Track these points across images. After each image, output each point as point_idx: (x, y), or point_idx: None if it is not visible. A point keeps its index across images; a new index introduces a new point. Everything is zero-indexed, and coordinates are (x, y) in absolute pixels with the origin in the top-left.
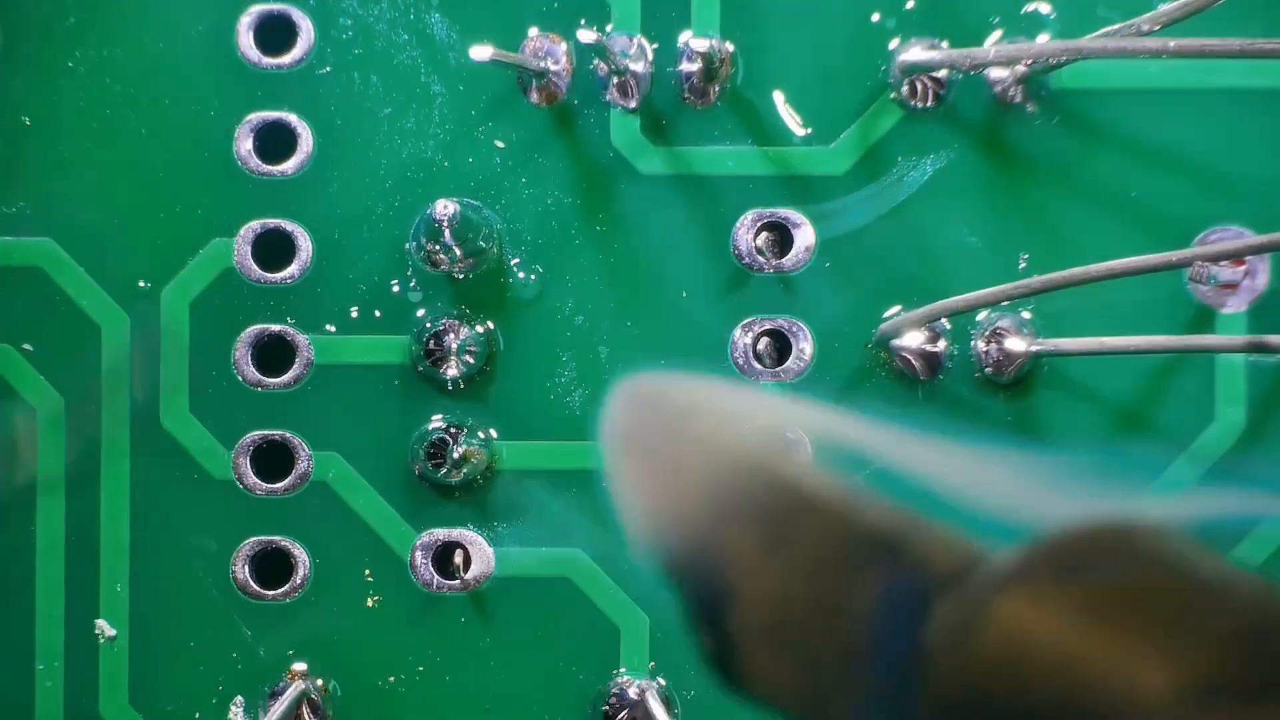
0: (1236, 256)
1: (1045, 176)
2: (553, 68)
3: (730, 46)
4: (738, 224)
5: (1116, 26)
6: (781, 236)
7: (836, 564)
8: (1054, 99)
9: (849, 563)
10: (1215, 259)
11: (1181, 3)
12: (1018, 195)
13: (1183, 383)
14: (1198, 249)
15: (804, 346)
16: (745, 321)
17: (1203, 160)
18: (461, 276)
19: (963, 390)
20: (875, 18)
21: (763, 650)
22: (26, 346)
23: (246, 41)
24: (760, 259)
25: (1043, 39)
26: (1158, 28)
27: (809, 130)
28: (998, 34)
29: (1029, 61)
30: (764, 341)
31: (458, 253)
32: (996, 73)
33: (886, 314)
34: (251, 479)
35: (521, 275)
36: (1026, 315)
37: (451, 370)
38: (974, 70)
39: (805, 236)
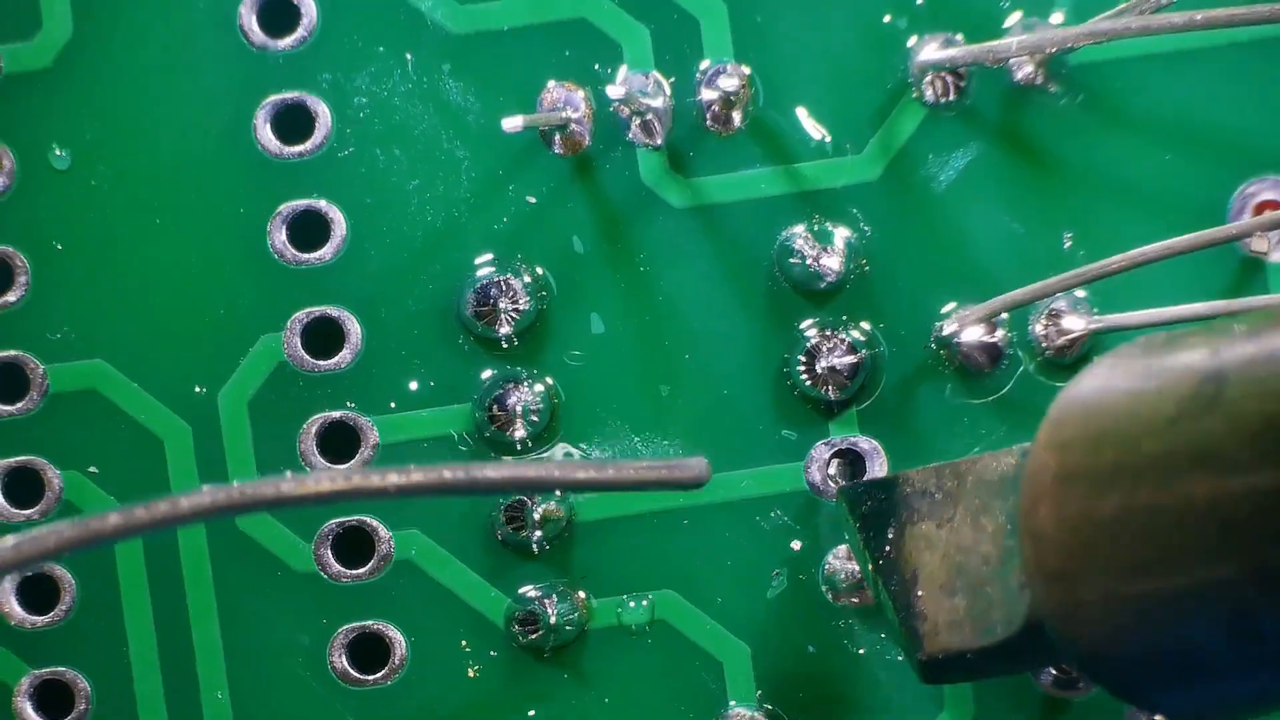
0: None
1: (1076, 152)
2: (574, 116)
3: (746, 70)
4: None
5: (1133, 2)
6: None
7: None
8: (1074, 75)
9: None
10: (1272, 227)
11: None
12: (1052, 175)
13: None
14: (1254, 220)
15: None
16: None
17: (1230, 114)
18: (514, 339)
19: (1028, 377)
20: (886, 19)
21: None
22: (92, 470)
23: (265, 135)
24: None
25: (1057, 18)
26: None
27: (830, 138)
28: (1016, 16)
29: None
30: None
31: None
32: (1015, 58)
33: (944, 310)
34: (335, 568)
35: (573, 325)
36: (1081, 294)
37: (519, 432)
38: (997, 64)
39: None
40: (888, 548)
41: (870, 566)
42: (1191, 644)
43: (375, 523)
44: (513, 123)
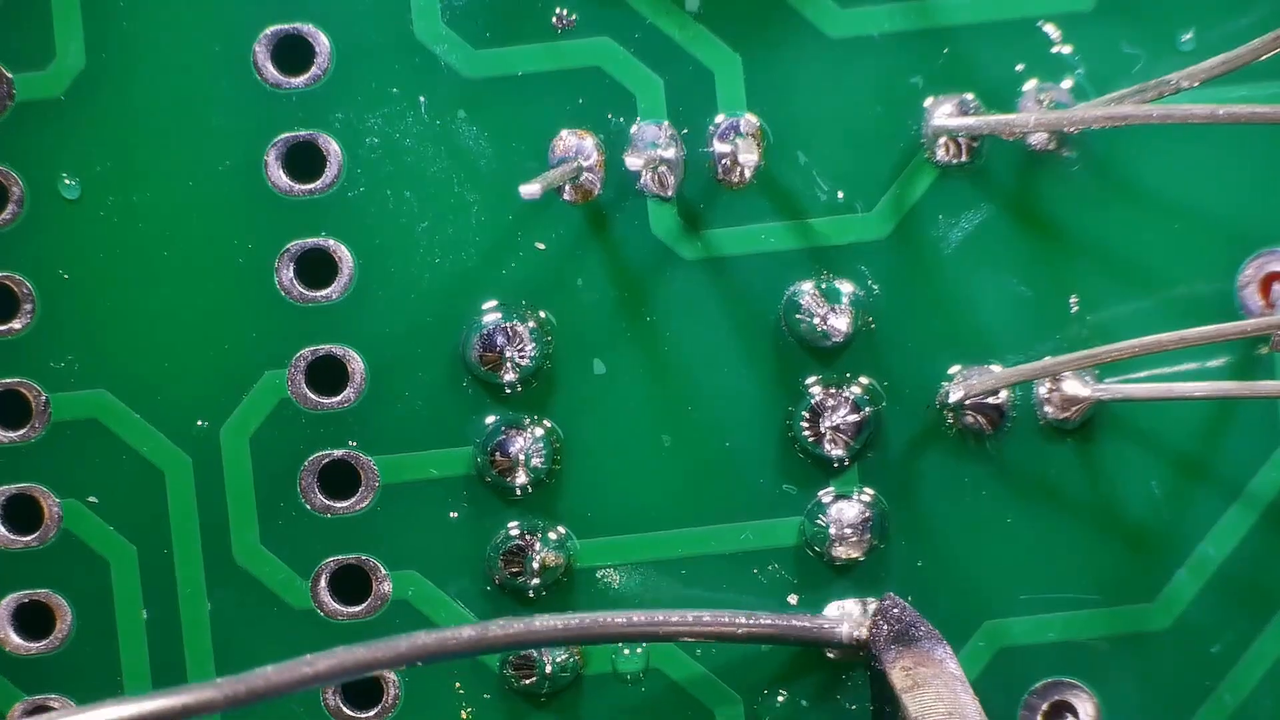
0: None
1: (1086, 217)
2: (585, 164)
3: (758, 123)
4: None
5: (1153, 83)
6: None
7: None
8: (1085, 139)
9: None
10: None
11: (1221, 60)
12: (1060, 240)
13: (1248, 413)
14: (1274, 318)
15: (868, 412)
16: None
17: (1239, 182)
18: (518, 385)
19: (1030, 440)
20: (905, 79)
21: None
22: (92, 499)
23: (276, 172)
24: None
25: (1067, 83)
26: (1196, 84)
27: (842, 195)
28: (1031, 83)
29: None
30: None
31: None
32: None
33: (949, 370)
34: (332, 605)
35: (577, 373)
36: None
37: (520, 478)
38: (1014, 138)
39: None
40: None
41: None
42: None
43: (375, 561)
44: (530, 189)
